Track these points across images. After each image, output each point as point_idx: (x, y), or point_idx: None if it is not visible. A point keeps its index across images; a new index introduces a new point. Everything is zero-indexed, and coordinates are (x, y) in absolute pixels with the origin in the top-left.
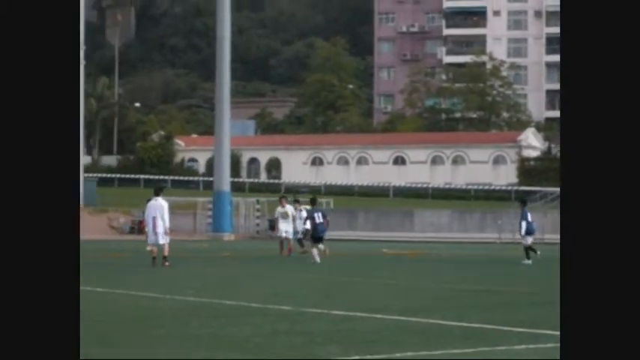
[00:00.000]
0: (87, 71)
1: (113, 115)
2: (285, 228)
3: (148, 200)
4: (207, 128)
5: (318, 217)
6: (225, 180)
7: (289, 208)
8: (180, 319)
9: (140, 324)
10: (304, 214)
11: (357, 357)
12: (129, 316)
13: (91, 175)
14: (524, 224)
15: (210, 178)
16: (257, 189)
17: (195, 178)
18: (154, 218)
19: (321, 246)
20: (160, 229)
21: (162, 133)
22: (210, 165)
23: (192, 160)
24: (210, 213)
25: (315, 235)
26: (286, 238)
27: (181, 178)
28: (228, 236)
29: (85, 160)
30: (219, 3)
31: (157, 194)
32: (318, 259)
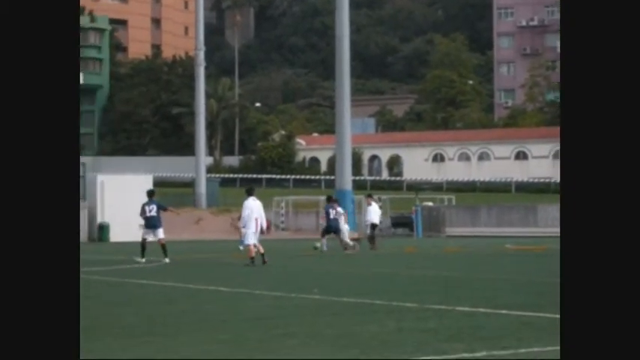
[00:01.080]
0: (207, 72)
1: (234, 115)
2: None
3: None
4: (328, 127)
5: (333, 214)
6: (346, 178)
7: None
8: (304, 317)
9: (264, 323)
10: (372, 208)
11: (483, 353)
12: (253, 316)
13: (213, 175)
14: None
15: (332, 177)
16: (379, 186)
17: (317, 177)
18: (257, 219)
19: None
20: (259, 229)
21: (283, 132)
22: (332, 163)
23: (314, 159)
24: None
25: (328, 230)
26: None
27: (303, 177)
28: (351, 234)
29: (207, 160)
30: (338, 2)
31: (251, 194)
32: (325, 248)
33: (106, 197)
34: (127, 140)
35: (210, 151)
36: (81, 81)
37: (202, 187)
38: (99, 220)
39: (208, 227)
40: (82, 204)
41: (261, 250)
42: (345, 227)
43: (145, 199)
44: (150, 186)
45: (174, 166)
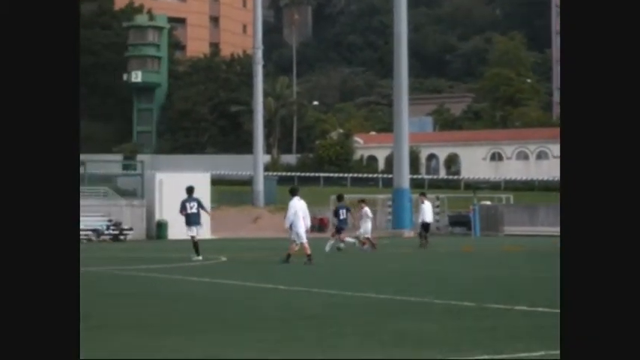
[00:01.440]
0: (265, 71)
1: (292, 113)
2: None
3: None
4: (386, 125)
5: (343, 214)
6: (404, 177)
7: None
8: (361, 316)
9: (321, 321)
10: (426, 206)
11: (541, 353)
12: (310, 314)
13: (271, 173)
14: None
15: (390, 175)
16: (436, 185)
17: (375, 175)
18: (304, 218)
19: (349, 239)
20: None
21: (341, 130)
22: (390, 162)
23: (372, 157)
24: (390, 210)
25: (339, 228)
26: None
27: (360, 175)
28: (408, 232)
29: (264, 159)
30: (396, 0)
31: (295, 194)
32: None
33: (164, 195)
34: (185, 138)
35: (268, 149)
36: (139, 79)
37: (260, 185)
38: (157, 217)
39: (266, 225)
40: (140, 202)
41: (292, 251)
42: (367, 228)
43: (185, 195)
44: (208, 184)
45: (232, 164)
